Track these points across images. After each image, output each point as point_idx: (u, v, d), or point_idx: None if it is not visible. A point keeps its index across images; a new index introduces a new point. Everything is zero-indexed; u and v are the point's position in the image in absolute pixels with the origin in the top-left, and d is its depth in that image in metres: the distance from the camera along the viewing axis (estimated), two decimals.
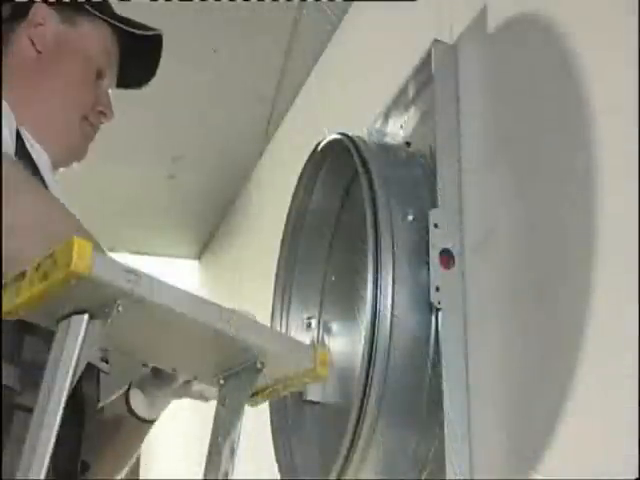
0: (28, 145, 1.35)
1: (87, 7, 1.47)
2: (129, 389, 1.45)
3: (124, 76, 1.54)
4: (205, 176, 3.14)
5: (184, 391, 1.43)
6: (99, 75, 1.48)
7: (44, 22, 1.45)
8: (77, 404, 1.28)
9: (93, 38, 1.48)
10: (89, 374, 1.31)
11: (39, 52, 1.44)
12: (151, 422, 1.46)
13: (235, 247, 3.25)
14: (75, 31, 1.47)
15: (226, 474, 1.13)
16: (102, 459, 1.38)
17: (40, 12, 1.45)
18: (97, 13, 1.48)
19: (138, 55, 1.53)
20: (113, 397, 1.46)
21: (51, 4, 1.46)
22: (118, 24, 1.49)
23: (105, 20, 1.48)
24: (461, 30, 1.64)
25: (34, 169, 1.32)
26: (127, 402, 1.44)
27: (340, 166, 1.73)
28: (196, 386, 1.41)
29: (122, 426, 1.44)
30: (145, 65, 1.57)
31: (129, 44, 1.51)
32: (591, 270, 1.20)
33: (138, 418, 1.44)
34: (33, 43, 1.44)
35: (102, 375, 1.34)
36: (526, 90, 1.44)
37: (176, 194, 3.25)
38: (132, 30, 1.50)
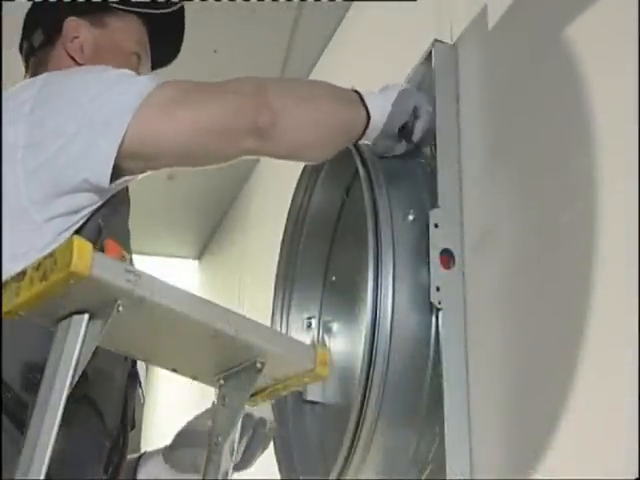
0: None
1: (112, 4, 1.51)
2: (138, 461, 1.49)
3: (154, 57, 1.57)
4: (205, 176, 3.14)
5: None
6: (138, 64, 1.52)
7: (78, 34, 1.48)
8: (123, 427, 1.31)
9: (125, 32, 1.51)
10: (132, 400, 1.34)
11: (80, 64, 1.46)
12: None
13: (235, 247, 3.25)
14: (108, 32, 1.50)
15: (226, 474, 1.13)
16: None
17: (72, 25, 1.48)
18: (122, 7, 1.51)
19: (164, 33, 1.56)
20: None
21: (80, 14, 1.49)
22: (142, 10, 1.53)
23: (130, 11, 1.52)
24: (461, 30, 1.64)
25: None
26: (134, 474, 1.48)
27: (340, 166, 1.73)
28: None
29: None
30: (172, 41, 1.60)
31: (154, 25, 1.55)
32: (591, 269, 1.20)
33: None
34: (73, 58, 1.47)
35: None
36: (526, 90, 1.44)
37: (176, 194, 3.25)
38: (156, 12, 1.54)
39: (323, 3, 2.32)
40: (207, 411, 1.49)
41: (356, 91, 1.45)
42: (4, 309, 1.00)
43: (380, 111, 1.46)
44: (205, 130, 1.29)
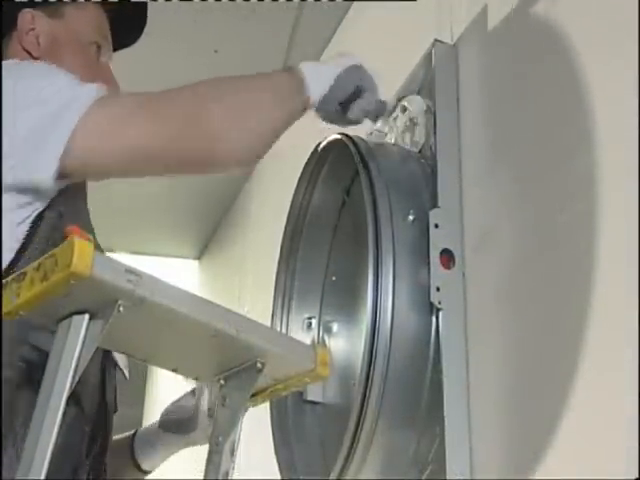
0: None
1: None
2: (134, 436, 1.49)
3: (117, 38, 1.55)
4: (205, 177, 3.14)
5: (193, 438, 1.51)
6: (98, 53, 1.49)
7: (34, 25, 1.45)
8: (103, 411, 1.30)
9: (84, 21, 1.48)
10: (110, 383, 1.33)
11: (36, 58, 1.44)
12: (145, 472, 1.52)
13: (235, 247, 3.25)
14: (65, 22, 1.46)
15: (226, 474, 1.13)
16: None
17: (27, 18, 1.45)
18: None
19: (125, 17, 1.54)
20: (119, 437, 1.50)
21: (35, 5, 1.45)
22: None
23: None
24: (461, 30, 1.64)
25: None
26: (132, 453, 1.49)
27: (340, 166, 1.73)
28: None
29: (122, 472, 1.48)
30: (133, 23, 1.58)
31: (115, 9, 1.52)
32: (591, 269, 1.20)
33: (137, 467, 1.50)
34: (28, 52, 1.44)
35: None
36: (526, 90, 1.44)
37: (176, 194, 3.25)
38: None
39: (323, 3, 2.32)
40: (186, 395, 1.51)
41: (298, 72, 1.39)
42: (4, 309, 1.00)
43: (322, 86, 1.41)
44: (143, 155, 1.25)
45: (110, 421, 1.33)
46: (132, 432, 1.54)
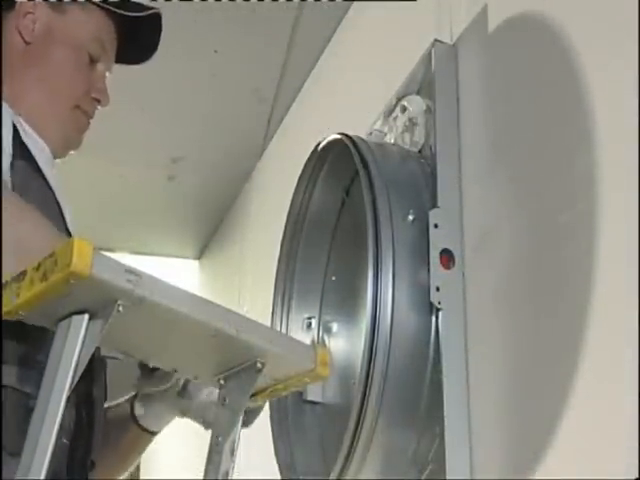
0: (23, 134, 1.34)
1: None
2: (135, 397, 1.46)
3: (125, 54, 1.53)
4: (205, 177, 3.14)
5: (186, 407, 1.43)
6: (91, 61, 1.46)
7: (33, 10, 1.43)
8: (88, 405, 1.28)
9: (83, 24, 1.45)
10: (99, 375, 1.32)
11: (27, 43, 1.42)
12: (152, 434, 1.46)
13: (235, 247, 3.25)
14: (64, 18, 1.44)
15: (226, 474, 1.13)
16: (104, 463, 1.38)
17: (28, 1, 1.43)
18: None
19: (137, 34, 1.51)
20: (118, 401, 1.46)
21: None
22: (108, 7, 1.46)
23: (95, 4, 1.46)
24: (461, 30, 1.64)
25: (30, 159, 1.32)
26: (132, 411, 1.44)
27: (340, 166, 1.73)
28: (199, 402, 1.41)
29: (125, 433, 1.45)
30: (145, 43, 1.55)
31: (125, 24, 1.49)
32: (591, 269, 1.20)
33: (141, 427, 1.44)
34: (21, 34, 1.42)
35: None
36: (526, 90, 1.44)
37: (176, 195, 3.25)
38: (124, 13, 1.47)
39: (323, 3, 2.32)
40: None
41: None
42: (4, 309, 1.00)
43: None
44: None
45: (96, 417, 1.30)
46: (130, 397, 1.50)
